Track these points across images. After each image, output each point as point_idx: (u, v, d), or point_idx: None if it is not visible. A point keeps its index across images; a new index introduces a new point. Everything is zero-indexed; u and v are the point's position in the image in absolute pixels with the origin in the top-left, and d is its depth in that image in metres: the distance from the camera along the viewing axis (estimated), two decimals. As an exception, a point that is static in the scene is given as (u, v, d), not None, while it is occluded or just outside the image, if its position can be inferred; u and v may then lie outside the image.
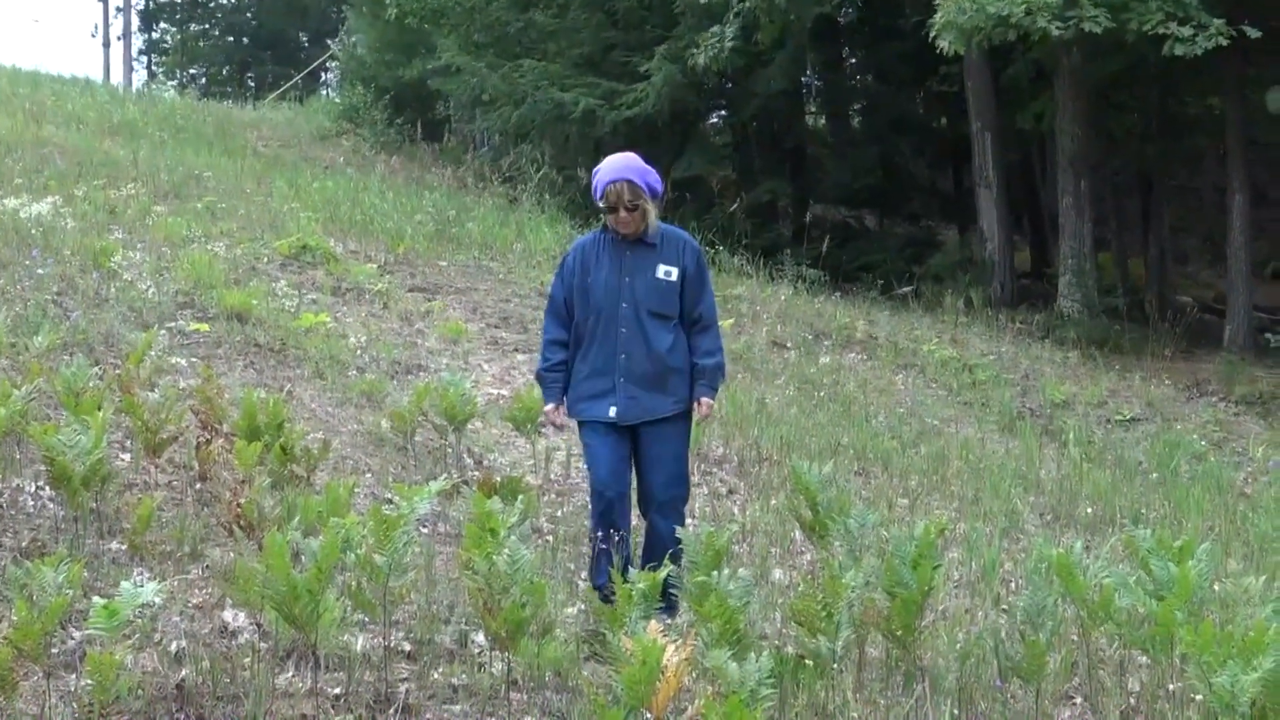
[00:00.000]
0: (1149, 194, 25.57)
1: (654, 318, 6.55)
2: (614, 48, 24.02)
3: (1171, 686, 6.03)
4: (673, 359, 6.57)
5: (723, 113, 28.13)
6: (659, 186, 6.60)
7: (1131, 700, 6.11)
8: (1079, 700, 6.21)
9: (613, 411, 6.53)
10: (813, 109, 30.87)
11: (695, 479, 9.61)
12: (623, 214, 6.49)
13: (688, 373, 6.62)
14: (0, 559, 6.23)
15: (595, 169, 6.67)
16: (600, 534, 6.48)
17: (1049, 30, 16.95)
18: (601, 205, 6.58)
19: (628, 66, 22.95)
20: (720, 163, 25.95)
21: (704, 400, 6.64)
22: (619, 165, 6.54)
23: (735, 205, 22.43)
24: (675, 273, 6.59)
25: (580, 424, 6.75)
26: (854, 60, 29.24)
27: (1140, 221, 26.21)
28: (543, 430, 9.34)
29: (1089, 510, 10.18)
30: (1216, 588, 7.06)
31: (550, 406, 6.79)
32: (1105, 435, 13.60)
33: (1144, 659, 6.36)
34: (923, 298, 19.67)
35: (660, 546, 6.43)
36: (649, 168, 6.60)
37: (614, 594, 5.69)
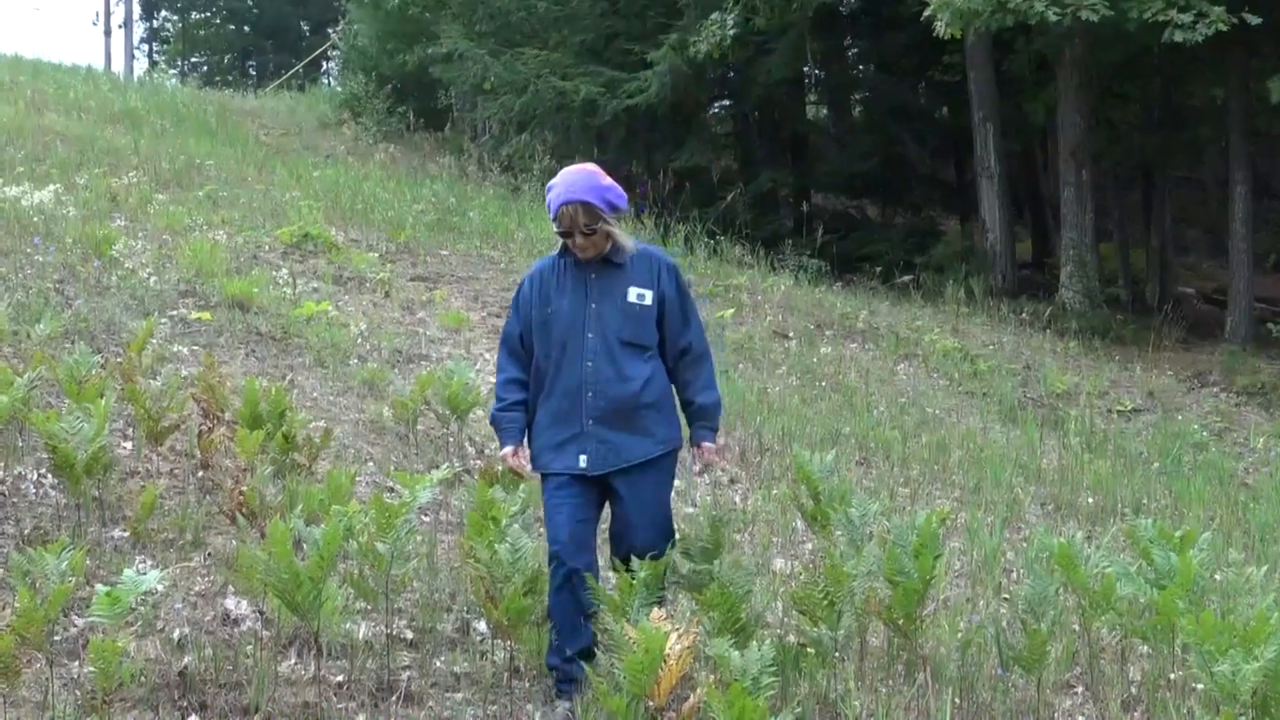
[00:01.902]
0: (1151, 185, 25.58)
1: (626, 348, 5.63)
2: (616, 36, 24.00)
3: (1173, 676, 6.05)
4: (648, 394, 5.64)
5: (724, 102, 28.12)
6: (621, 201, 5.68)
7: (1133, 689, 6.13)
8: (1080, 689, 6.22)
9: (583, 461, 5.59)
10: (814, 99, 30.85)
11: (696, 469, 9.61)
12: (579, 239, 5.61)
13: (669, 409, 5.75)
14: (3, 546, 6.24)
15: (550, 184, 5.76)
16: (558, 606, 5.58)
17: (1046, 15, 16.93)
18: (556, 229, 5.70)
19: (630, 55, 22.94)
20: (721, 152, 25.94)
21: (705, 445, 5.82)
22: (571, 183, 5.62)
23: (735, 194, 22.41)
24: (650, 296, 5.69)
25: (543, 478, 5.75)
26: (856, 50, 29.18)
27: (1142, 212, 26.22)
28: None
29: (1090, 500, 10.18)
30: (1218, 577, 7.06)
31: (509, 450, 5.75)
32: (1106, 425, 13.60)
33: (1145, 648, 6.38)
34: (924, 288, 19.67)
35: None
36: (609, 182, 5.67)
37: (572, 678, 5.48)
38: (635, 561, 5.41)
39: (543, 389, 5.71)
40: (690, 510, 8.57)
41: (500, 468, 6.00)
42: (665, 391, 5.75)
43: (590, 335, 5.62)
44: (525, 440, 5.79)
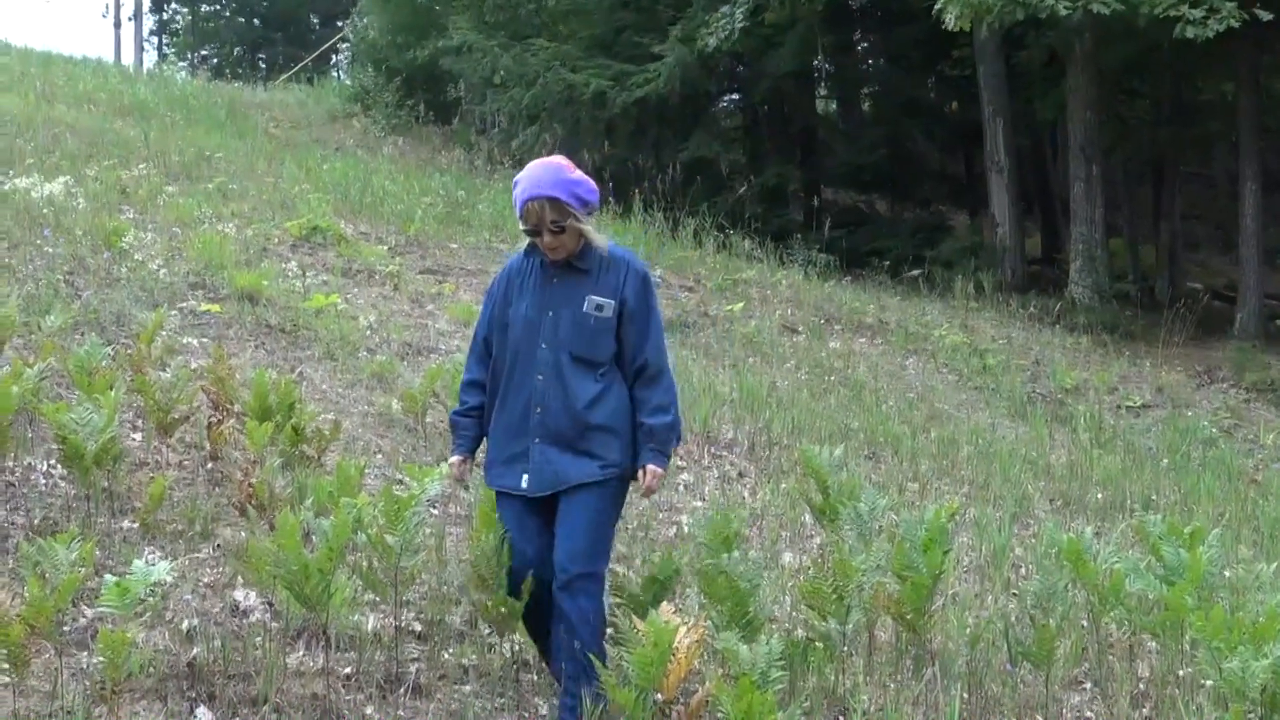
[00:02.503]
0: (1161, 180, 25.53)
1: (577, 364, 5.19)
2: (625, 29, 24.00)
3: (1182, 672, 6.04)
4: (597, 415, 5.19)
5: (733, 96, 28.10)
6: (593, 196, 5.27)
7: (1141, 685, 6.12)
8: (1089, 685, 6.22)
9: (525, 481, 5.22)
10: (824, 93, 30.82)
11: (705, 462, 9.63)
12: (548, 238, 5.18)
13: (623, 433, 5.24)
14: (13, 536, 6.25)
15: (516, 179, 5.34)
16: (530, 628, 5.46)
17: (1057, 9, 16.92)
18: (522, 226, 5.28)
19: (639, 48, 22.93)
20: (730, 146, 25.91)
21: (650, 468, 5.23)
22: (537, 177, 5.21)
23: (744, 188, 22.40)
24: (610, 306, 5.21)
25: (496, 494, 5.43)
26: (865, 44, 29.16)
27: (1152, 208, 26.15)
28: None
29: (1099, 496, 10.17)
30: (1227, 574, 7.06)
31: (456, 459, 5.48)
32: (1116, 421, 13.59)
33: (1154, 644, 6.38)
34: (933, 283, 19.65)
35: (564, 633, 5.15)
36: (579, 176, 5.27)
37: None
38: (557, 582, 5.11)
39: (497, 397, 5.36)
40: (699, 504, 8.58)
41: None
42: (618, 412, 5.24)
43: (543, 346, 5.22)
44: (478, 448, 5.52)
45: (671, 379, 5.38)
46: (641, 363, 5.28)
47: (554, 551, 5.19)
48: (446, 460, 5.66)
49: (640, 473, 5.27)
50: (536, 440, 5.21)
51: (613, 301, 5.23)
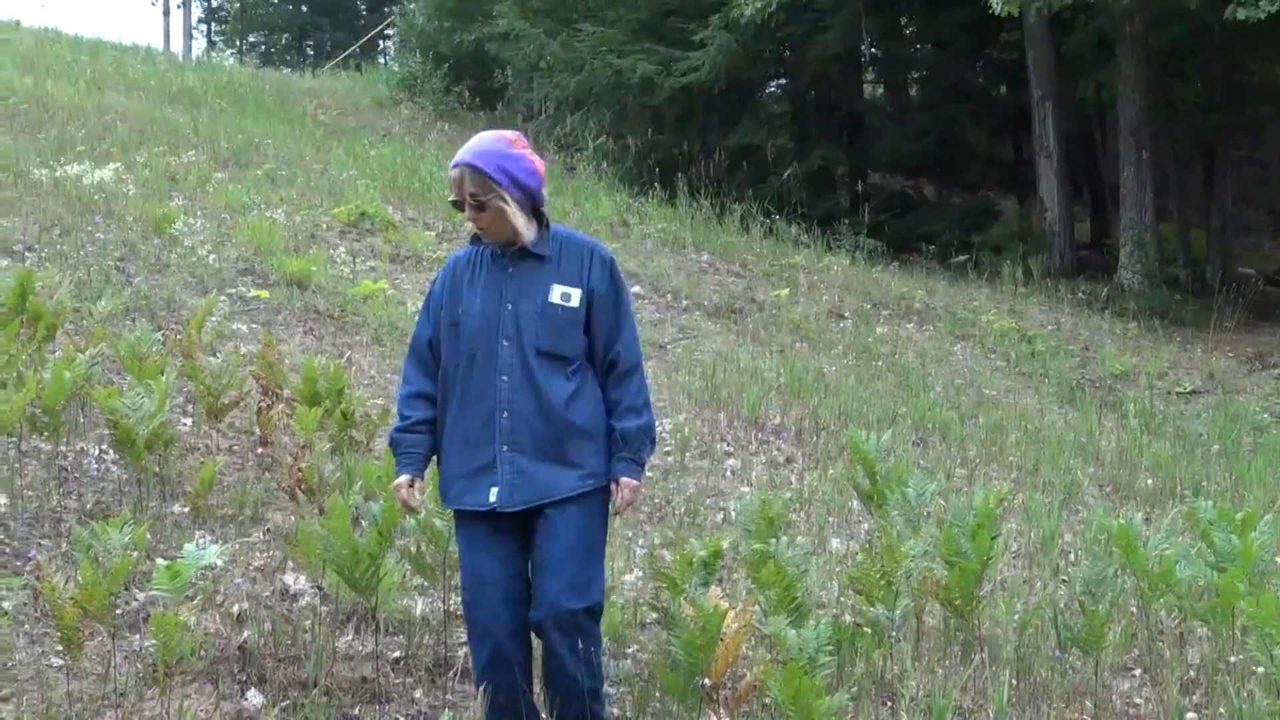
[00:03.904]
0: (1211, 164, 25.27)
1: (545, 359, 4.64)
2: (671, 14, 23.90)
3: (1233, 659, 6.00)
4: (574, 414, 4.66)
5: (780, 81, 27.98)
6: (529, 179, 4.68)
7: (1192, 672, 6.08)
8: (1138, 672, 6.19)
9: (493, 495, 4.60)
10: (870, 78, 30.67)
11: (752, 448, 9.63)
12: (468, 211, 4.67)
13: (601, 436, 4.72)
14: (66, 520, 6.31)
15: None
16: (488, 688, 4.68)
17: (1107, -8, 16.80)
18: (449, 196, 4.85)
19: (685, 33, 22.86)
20: (776, 131, 25.81)
21: (624, 480, 4.71)
22: (470, 144, 4.70)
23: (790, 173, 22.32)
24: (577, 295, 4.70)
25: (455, 516, 4.85)
26: (912, 28, 28.97)
27: (1202, 192, 25.89)
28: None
29: (1149, 482, 10.10)
30: (1279, 560, 6.99)
31: (404, 479, 4.79)
32: (1166, 407, 13.49)
33: (1205, 631, 6.33)
34: (981, 268, 19.54)
35: (559, 675, 4.64)
36: (519, 152, 4.68)
37: None
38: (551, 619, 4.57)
39: (450, 406, 4.74)
40: (746, 490, 8.57)
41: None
42: (595, 413, 4.72)
43: (505, 343, 4.65)
44: (429, 467, 4.91)
45: (644, 376, 4.88)
46: (614, 357, 4.76)
47: (536, 584, 4.64)
48: (392, 485, 4.94)
49: (614, 485, 4.72)
50: (505, 448, 4.62)
51: (579, 290, 4.71)
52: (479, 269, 4.76)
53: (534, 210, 4.74)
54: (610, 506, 4.77)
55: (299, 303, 11.03)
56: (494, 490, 4.61)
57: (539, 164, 4.74)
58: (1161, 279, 20.56)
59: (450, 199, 4.77)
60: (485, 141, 4.68)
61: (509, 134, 4.75)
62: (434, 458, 4.86)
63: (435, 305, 4.83)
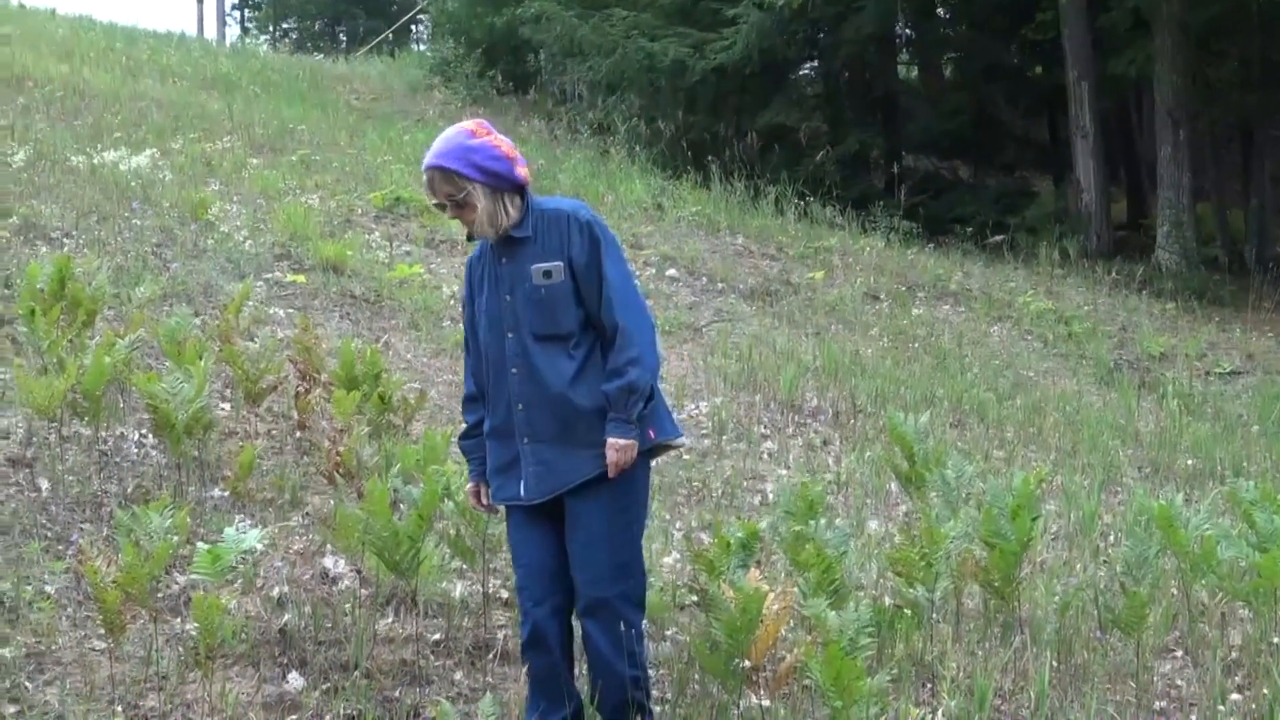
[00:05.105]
0: (1249, 144, 25.08)
1: (544, 343, 4.58)
2: (702, -1, 23.85)
3: (1276, 639, 5.97)
4: (578, 394, 4.57)
5: (813, 62, 27.87)
6: (497, 164, 4.55)
7: (1234, 654, 6.05)
8: (1180, 653, 6.16)
9: (521, 488, 4.65)
10: (905, 59, 30.53)
11: (789, 430, 9.61)
12: (450, 211, 4.61)
13: None
14: (107, 505, 6.35)
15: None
16: (531, 665, 4.74)
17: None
18: (429, 202, 4.77)
19: (717, 15, 22.79)
20: (810, 113, 25.72)
21: (610, 440, 4.55)
22: (434, 146, 4.58)
23: (823, 155, 22.23)
24: (559, 269, 4.57)
25: (506, 512, 4.88)
26: (947, 9, 28.82)
27: (1240, 172, 25.73)
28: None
29: (1189, 463, 10.04)
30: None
31: (470, 486, 4.94)
32: (1205, 388, 13.41)
33: (1246, 611, 6.29)
34: (1017, 249, 19.44)
35: (598, 664, 4.66)
36: (482, 142, 4.56)
37: None
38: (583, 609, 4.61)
39: (485, 402, 4.79)
40: (784, 472, 8.56)
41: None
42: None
43: (510, 336, 4.62)
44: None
45: (640, 329, 4.62)
46: (610, 323, 4.58)
47: (573, 576, 4.64)
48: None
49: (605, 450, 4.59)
50: (525, 441, 4.62)
51: (560, 263, 4.57)
52: (487, 265, 4.71)
53: (517, 191, 4.63)
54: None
55: (335, 287, 11.06)
56: (521, 483, 4.65)
57: (504, 146, 4.61)
58: (1199, 259, 20.42)
59: (432, 204, 4.70)
60: (447, 140, 4.56)
61: (468, 124, 4.63)
62: None
63: (465, 305, 4.87)
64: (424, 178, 4.59)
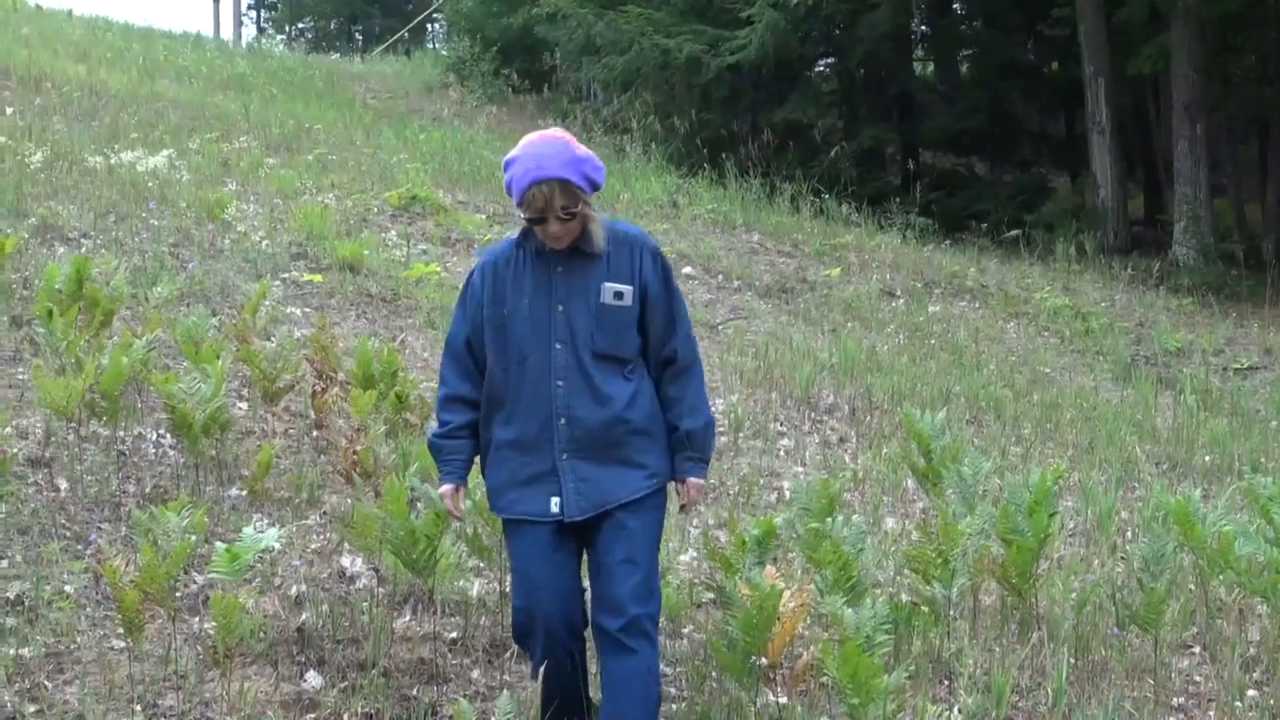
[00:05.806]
0: (1266, 138, 24.99)
1: (602, 362, 4.49)
2: (719, -5, 23.85)
3: (1293, 635, 5.96)
4: (635, 414, 4.52)
5: (829, 60, 27.86)
6: (600, 175, 4.48)
7: (1252, 650, 6.04)
8: (1198, 649, 6.15)
9: (555, 504, 4.47)
10: (920, 55, 30.49)
11: (805, 427, 9.61)
12: (554, 226, 4.41)
13: (659, 436, 4.60)
14: (125, 504, 6.37)
15: (508, 158, 4.50)
16: (554, 681, 4.51)
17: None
18: (524, 214, 4.46)
19: (732, 13, 22.79)
20: (826, 110, 25.72)
21: (691, 481, 4.63)
22: (542, 155, 4.39)
23: (838, 152, 22.20)
24: (629, 293, 4.51)
25: (506, 524, 4.69)
26: (962, 5, 28.77)
27: (1257, 166, 25.64)
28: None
29: (1206, 459, 10.02)
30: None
31: (448, 488, 4.69)
32: (1222, 383, 13.37)
33: (1264, 607, 6.27)
34: (1034, 245, 19.41)
35: (628, 681, 4.48)
36: (585, 152, 4.46)
37: None
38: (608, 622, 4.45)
39: (500, 410, 4.58)
40: (800, 470, 8.56)
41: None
42: (654, 412, 4.60)
43: (559, 347, 4.47)
44: (470, 473, 4.77)
45: (702, 372, 4.73)
46: (670, 354, 4.60)
47: (603, 588, 4.49)
48: (436, 492, 4.92)
49: (680, 485, 4.65)
50: (565, 456, 4.47)
51: (631, 287, 4.51)
52: (523, 268, 4.54)
53: None
54: (670, 505, 4.70)
55: (351, 286, 11.08)
56: (555, 500, 4.48)
57: (598, 158, 4.55)
58: (1216, 254, 20.36)
59: (527, 216, 4.45)
60: (557, 150, 4.40)
61: (564, 134, 4.52)
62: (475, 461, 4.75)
63: (474, 305, 4.62)
64: (534, 190, 4.35)
